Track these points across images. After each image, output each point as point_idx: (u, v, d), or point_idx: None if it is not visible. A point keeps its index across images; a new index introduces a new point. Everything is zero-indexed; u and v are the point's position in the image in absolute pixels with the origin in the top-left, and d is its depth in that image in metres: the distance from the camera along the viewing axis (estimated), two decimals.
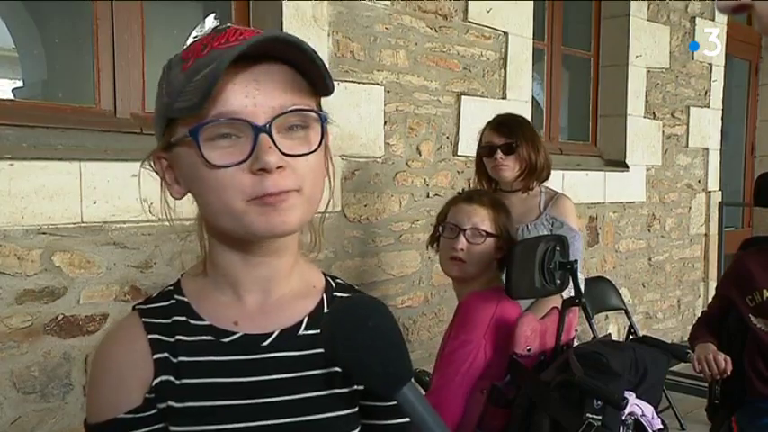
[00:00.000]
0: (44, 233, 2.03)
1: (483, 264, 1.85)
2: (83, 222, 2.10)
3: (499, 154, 2.27)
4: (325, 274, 0.89)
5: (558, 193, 2.39)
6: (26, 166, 1.99)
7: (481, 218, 1.85)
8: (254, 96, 0.71)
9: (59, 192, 2.05)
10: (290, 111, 0.73)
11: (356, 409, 0.83)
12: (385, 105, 2.97)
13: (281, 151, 0.71)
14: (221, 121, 0.70)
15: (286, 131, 0.73)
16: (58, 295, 2.07)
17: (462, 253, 1.84)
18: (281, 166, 0.71)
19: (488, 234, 1.84)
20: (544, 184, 2.38)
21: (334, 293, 0.87)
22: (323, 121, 0.76)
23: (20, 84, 3.46)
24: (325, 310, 0.84)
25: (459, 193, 2.01)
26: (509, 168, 2.28)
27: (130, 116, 2.31)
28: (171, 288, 0.83)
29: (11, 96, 3.13)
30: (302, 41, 0.71)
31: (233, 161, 0.71)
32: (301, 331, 0.81)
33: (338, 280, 0.90)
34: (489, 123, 2.37)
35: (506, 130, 2.29)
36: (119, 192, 2.13)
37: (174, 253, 2.22)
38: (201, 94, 0.68)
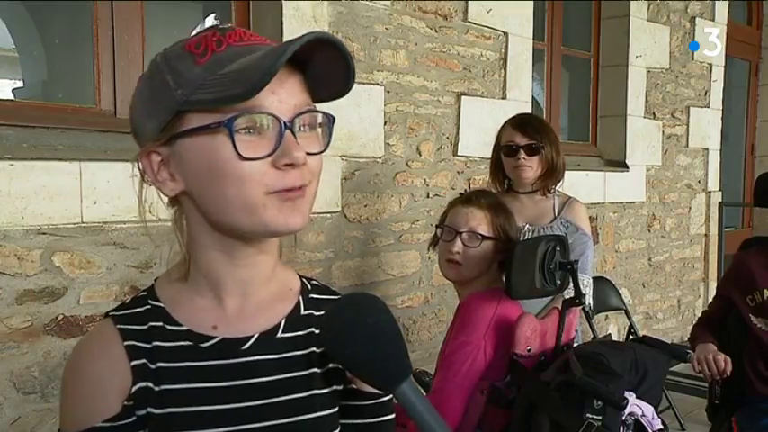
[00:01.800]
0: (44, 233, 2.03)
1: (480, 266, 1.85)
2: (83, 222, 2.10)
3: (522, 154, 2.25)
4: (300, 276, 0.90)
5: (570, 197, 2.38)
6: (26, 166, 1.99)
7: (478, 221, 1.85)
8: (279, 94, 0.72)
9: (59, 192, 2.05)
10: (308, 111, 0.75)
11: (336, 409, 0.83)
12: (385, 105, 2.97)
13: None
14: (255, 112, 0.71)
15: (299, 130, 0.75)
16: (58, 295, 2.07)
17: (458, 256, 1.84)
18: (303, 162, 0.73)
19: (485, 237, 1.84)
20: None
21: (311, 295, 0.87)
22: (331, 123, 0.78)
23: (20, 84, 3.47)
24: (302, 312, 0.85)
25: (460, 194, 2.01)
26: (531, 169, 2.26)
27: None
28: (144, 293, 0.83)
29: (11, 96, 3.14)
30: (345, 48, 0.73)
31: (259, 154, 0.71)
32: (279, 334, 0.82)
33: (313, 281, 0.90)
34: (510, 122, 2.34)
35: (531, 130, 2.27)
36: (119, 192, 2.13)
37: (174, 253, 2.22)
38: (249, 86, 0.68)
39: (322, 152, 0.77)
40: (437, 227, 1.97)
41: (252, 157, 0.71)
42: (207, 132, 0.72)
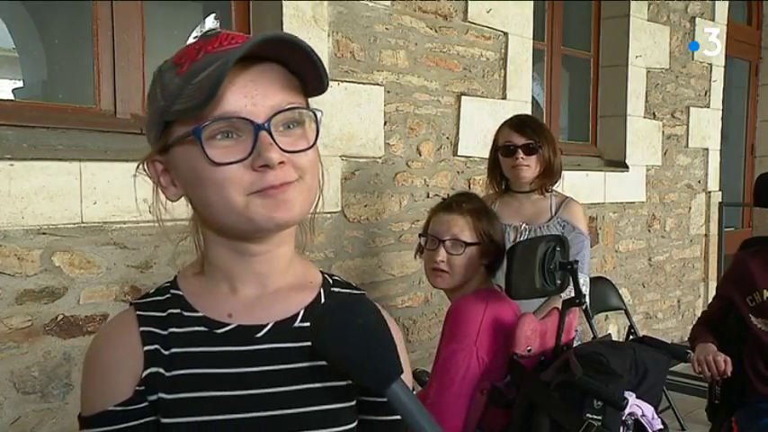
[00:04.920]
0: (44, 233, 2.03)
1: (467, 272, 1.84)
2: (83, 222, 2.10)
3: (520, 154, 2.27)
4: (321, 272, 0.90)
5: (567, 197, 2.41)
6: (26, 166, 1.99)
7: (460, 228, 1.84)
8: (252, 96, 0.73)
9: (59, 192, 2.05)
10: (288, 108, 0.75)
11: (353, 403, 0.83)
12: (385, 105, 2.97)
13: (280, 148, 0.73)
14: (223, 119, 0.72)
15: (283, 129, 0.75)
16: (58, 295, 2.07)
17: (443, 264, 1.83)
18: (281, 162, 0.73)
19: (468, 243, 1.83)
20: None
21: (332, 289, 0.88)
22: (317, 117, 0.78)
23: (20, 84, 3.47)
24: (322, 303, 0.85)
25: (443, 199, 2.01)
26: (529, 169, 2.28)
27: (130, 116, 2.31)
28: (168, 284, 0.84)
29: (11, 96, 3.14)
30: (303, 42, 0.73)
31: (235, 158, 0.73)
32: (297, 323, 0.82)
33: (335, 277, 0.91)
34: (508, 123, 2.36)
35: (529, 130, 2.29)
36: (119, 192, 2.13)
37: (174, 253, 2.22)
38: (206, 94, 0.70)
39: (309, 148, 0.77)
40: (420, 236, 1.96)
41: (226, 162, 0.72)
42: (186, 142, 0.74)
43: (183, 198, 0.81)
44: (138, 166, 0.81)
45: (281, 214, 0.75)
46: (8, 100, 2.47)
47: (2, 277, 1.96)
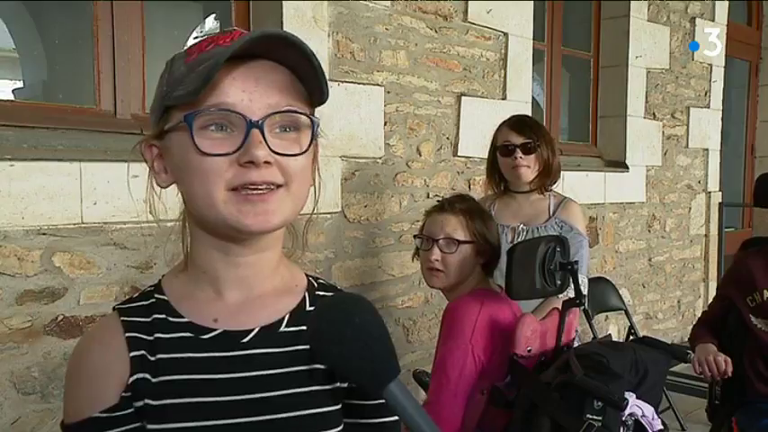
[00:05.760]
0: (44, 234, 2.03)
1: (462, 271, 1.85)
2: (83, 223, 2.10)
3: (519, 153, 2.28)
4: (306, 275, 0.89)
5: (565, 197, 2.41)
6: (26, 166, 1.99)
7: (453, 227, 1.86)
8: (251, 92, 0.73)
9: (59, 192, 2.05)
10: (284, 111, 0.74)
11: (339, 406, 0.82)
12: (385, 106, 2.97)
13: (270, 148, 0.73)
14: (216, 111, 0.72)
15: (278, 131, 0.75)
16: (59, 296, 2.07)
17: (438, 263, 1.85)
18: (267, 162, 0.73)
19: (461, 242, 1.84)
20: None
21: (317, 292, 0.87)
22: (314, 126, 0.77)
23: (20, 84, 3.47)
24: (308, 308, 0.84)
25: (438, 201, 2.02)
26: (528, 168, 2.29)
27: (131, 117, 2.31)
28: (151, 288, 0.83)
29: (11, 97, 3.14)
30: (303, 43, 0.72)
31: (222, 151, 0.72)
32: (282, 328, 0.81)
33: (320, 280, 0.90)
34: (506, 123, 2.37)
35: (528, 129, 2.30)
36: (119, 192, 2.13)
37: (174, 254, 2.22)
38: (200, 81, 0.70)
39: (301, 154, 0.76)
40: (415, 237, 1.98)
41: (214, 153, 0.72)
42: (180, 128, 0.74)
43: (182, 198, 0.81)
44: (134, 147, 0.81)
45: (252, 221, 0.74)
46: (8, 100, 2.47)
47: (2, 277, 1.96)
